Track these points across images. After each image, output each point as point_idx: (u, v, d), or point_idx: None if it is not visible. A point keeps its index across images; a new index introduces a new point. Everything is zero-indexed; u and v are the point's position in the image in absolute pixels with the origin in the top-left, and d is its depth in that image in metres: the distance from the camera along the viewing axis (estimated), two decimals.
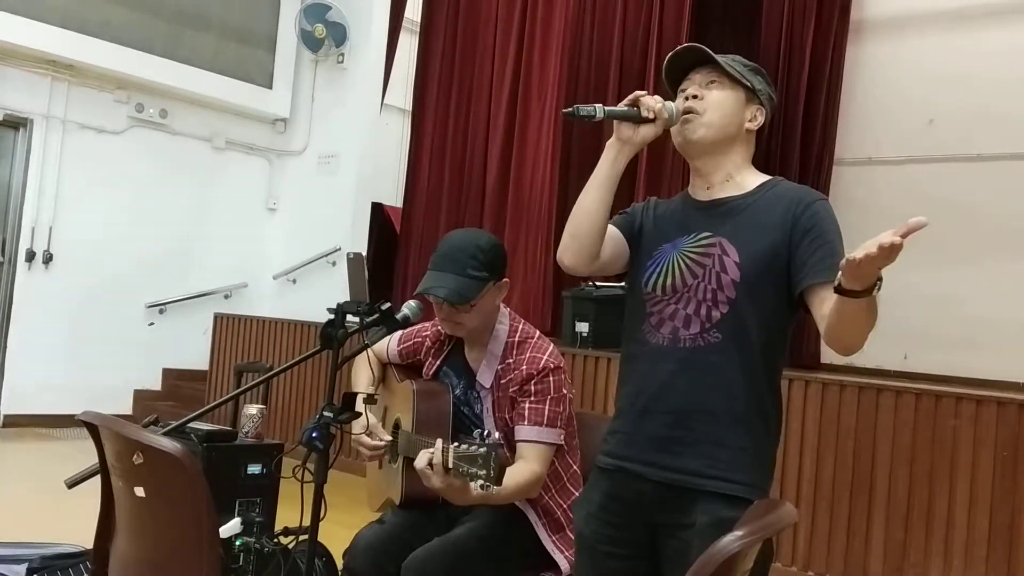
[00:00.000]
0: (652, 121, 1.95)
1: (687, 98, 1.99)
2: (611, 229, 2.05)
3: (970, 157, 7.86)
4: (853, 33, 8.42)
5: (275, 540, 3.30)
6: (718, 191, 2.01)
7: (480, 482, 1.91)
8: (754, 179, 2.02)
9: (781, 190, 1.98)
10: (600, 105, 1.95)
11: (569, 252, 2.01)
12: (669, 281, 1.96)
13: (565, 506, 2.49)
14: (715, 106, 1.98)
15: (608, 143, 2.00)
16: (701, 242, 1.96)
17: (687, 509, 1.85)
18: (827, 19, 8.26)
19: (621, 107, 1.97)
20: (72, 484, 2.13)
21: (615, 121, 1.98)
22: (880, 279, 1.75)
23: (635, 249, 2.08)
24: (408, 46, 8.48)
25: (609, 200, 1.99)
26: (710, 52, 2.02)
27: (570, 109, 1.96)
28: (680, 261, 1.97)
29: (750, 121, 2.02)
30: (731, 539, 1.32)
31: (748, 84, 2.00)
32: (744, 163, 2.03)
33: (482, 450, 1.92)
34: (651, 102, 1.95)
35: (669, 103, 1.98)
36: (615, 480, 1.97)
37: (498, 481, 1.89)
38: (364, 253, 7.53)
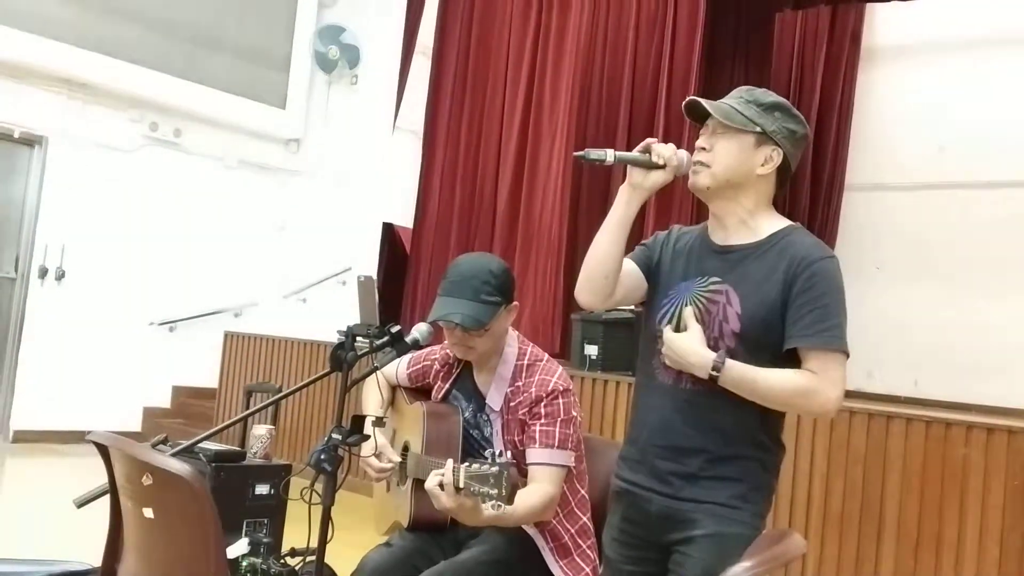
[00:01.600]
0: (663, 167, 2.01)
1: (698, 149, 2.04)
2: (628, 263, 2.12)
3: (981, 184, 7.85)
4: (864, 60, 8.45)
5: (282, 561, 3.30)
6: (733, 236, 2.05)
7: (492, 502, 1.92)
8: (770, 225, 2.04)
9: (790, 242, 2.00)
10: (612, 150, 2.01)
11: (584, 292, 2.11)
12: (680, 323, 2.04)
13: (573, 531, 2.49)
14: (721, 156, 2.00)
15: (621, 188, 2.06)
16: (711, 287, 2.02)
17: (687, 527, 1.98)
18: (838, 46, 8.29)
19: (633, 153, 2.02)
20: (81, 504, 2.14)
21: (627, 166, 2.04)
22: (717, 368, 1.90)
23: (652, 283, 2.14)
24: (421, 69, 8.53)
25: (622, 242, 2.06)
26: (706, 104, 2.02)
27: (582, 152, 2.03)
28: (692, 304, 2.03)
29: (763, 165, 2.00)
30: (740, 570, 1.32)
31: (758, 128, 1.99)
32: (758, 207, 2.04)
33: (494, 469, 1.93)
34: (663, 149, 2.01)
35: (682, 151, 2.03)
36: (627, 502, 2.09)
37: (510, 500, 1.90)
38: (374, 274, 7.56)
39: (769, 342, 1.95)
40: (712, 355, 1.92)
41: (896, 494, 4.27)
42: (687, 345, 1.96)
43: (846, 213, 8.34)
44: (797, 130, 2.02)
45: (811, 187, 8.30)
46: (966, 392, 7.21)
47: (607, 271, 2.06)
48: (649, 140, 2.04)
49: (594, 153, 2.01)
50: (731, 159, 1.99)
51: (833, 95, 8.27)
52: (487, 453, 1.98)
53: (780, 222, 2.06)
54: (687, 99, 2.08)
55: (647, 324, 2.14)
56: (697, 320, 2.00)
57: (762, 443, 2.01)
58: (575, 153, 2.07)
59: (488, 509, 1.99)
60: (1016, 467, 4.01)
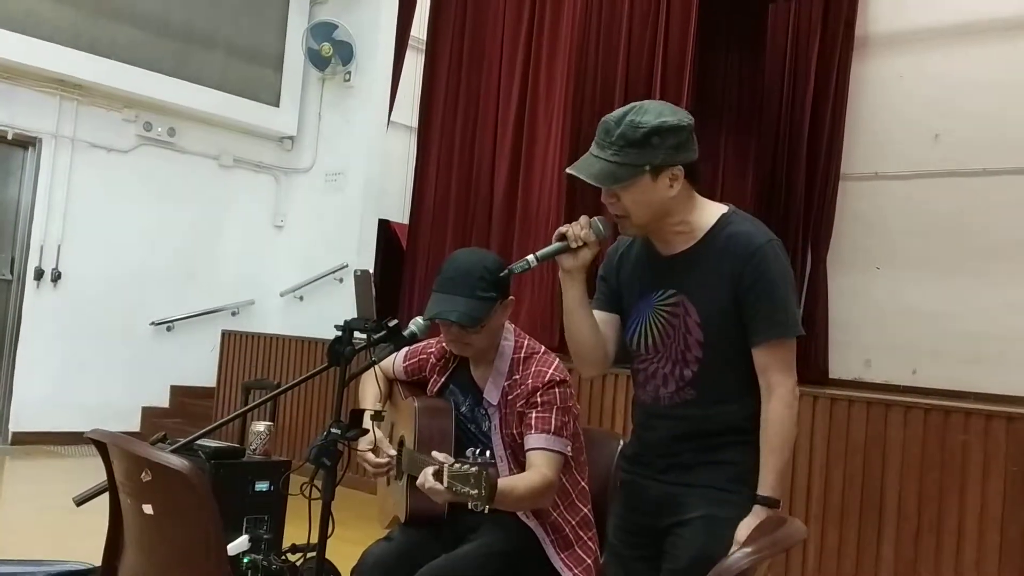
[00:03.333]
0: (585, 246, 2.06)
1: (608, 205, 2.06)
2: (603, 315, 2.19)
3: (976, 172, 7.87)
4: (858, 49, 8.45)
5: (283, 557, 3.30)
6: (675, 244, 2.08)
7: (473, 502, 1.92)
8: (706, 218, 2.06)
9: (729, 235, 2.02)
10: (531, 256, 2.08)
11: (583, 368, 2.23)
12: (649, 341, 2.10)
13: (574, 522, 2.49)
14: (631, 206, 2.01)
15: (560, 276, 2.12)
16: (668, 300, 2.07)
17: (681, 511, 2.03)
18: (832, 36, 8.29)
19: (551, 247, 2.09)
20: (81, 502, 2.14)
21: (556, 257, 2.09)
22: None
23: (621, 310, 2.20)
24: (414, 64, 8.52)
25: (587, 319, 2.14)
26: (586, 179, 1.99)
27: (506, 270, 2.18)
28: (655, 320, 2.09)
29: (670, 187, 1.99)
30: (740, 555, 1.32)
31: (646, 168, 1.96)
32: (689, 210, 2.05)
33: (473, 469, 1.92)
34: (577, 231, 2.06)
35: (596, 221, 2.07)
36: (630, 490, 2.17)
37: (489, 500, 1.91)
38: (371, 270, 7.54)
39: (732, 340, 2.01)
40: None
41: (896, 482, 4.28)
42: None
43: (842, 202, 8.36)
44: (680, 137, 1.97)
45: (806, 177, 8.31)
46: (964, 380, 7.23)
47: (590, 344, 2.14)
48: (561, 228, 2.08)
49: (517, 266, 2.10)
50: (640, 203, 2.00)
51: (827, 84, 8.27)
52: (468, 452, 1.98)
53: (713, 213, 2.07)
54: (566, 172, 2.10)
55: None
56: (664, 338, 2.06)
57: (748, 427, 2.03)
58: (501, 274, 2.28)
59: (472, 506, 1.98)
60: (1015, 453, 4.01)
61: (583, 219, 2.06)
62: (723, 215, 2.06)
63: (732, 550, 1.84)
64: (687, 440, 2.05)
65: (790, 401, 1.99)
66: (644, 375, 2.12)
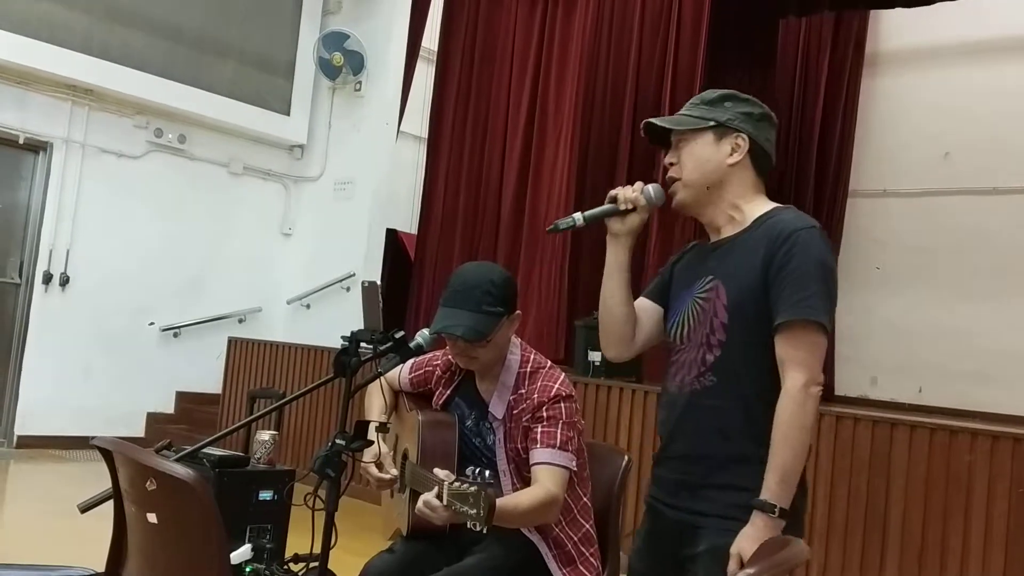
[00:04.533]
0: (633, 211, 2.04)
1: (667, 169, 2.05)
2: (645, 302, 2.15)
3: (986, 190, 7.85)
4: (868, 66, 8.45)
5: (285, 567, 3.30)
6: (725, 231, 2.04)
7: (471, 522, 1.92)
8: (756, 210, 2.01)
9: (774, 222, 1.96)
10: (579, 214, 2.05)
11: (607, 345, 2.16)
12: (684, 330, 2.04)
13: (576, 538, 2.48)
14: (687, 162, 2.01)
15: (607, 239, 2.09)
16: (706, 286, 2.01)
17: (694, 542, 1.95)
18: (842, 52, 8.29)
19: (600, 208, 2.06)
20: (85, 509, 2.14)
21: (605, 219, 2.07)
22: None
23: (667, 303, 2.15)
24: (425, 75, 8.55)
25: (622, 288, 2.09)
26: (656, 121, 2.04)
27: (551, 225, 2.08)
28: (692, 308, 2.03)
29: (731, 155, 1.99)
30: None
31: (711, 122, 1.99)
32: (743, 195, 2.02)
33: (472, 489, 1.92)
34: (628, 193, 2.04)
35: (649, 188, 2.05)
36: (651, 516, 2.11)
37: (487, 520, 1.90)
38: (378, 279, 7.56)
39: (757, 325, 1.90)
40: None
41: (900, 502, 4.26)
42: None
43: (850, 219, 8.34)
44: (752, 111, 2.00)
45: (815, 193, 8.29)
46: (971, 399, 7.20)
47: (619, 317, 2.09)
48: (613, 190, 2.07)
49: (563, 222, 2.06)
50: (697, 161, 2.00)
51: (837, 101, 8.27)
52: (468, 471, 1.98)
53: (767, 206, 2.02)
54: (643, 123, 2.08)
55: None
56: (695, 326, 2.00)
57: (765, 441, 1.89)
58: (547, 228, 2.14)
59: (470, 525, 1.97)
60: (1021, 475, 3.99)
61: (638, 184, 2.05)
62: (772, 209, 2.01)
63: (730, 569, 1.81)
64: (701, 438, 1.95)
65: (798, 397, 1.83)
66: (675, 366, 2.04)
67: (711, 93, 2.02)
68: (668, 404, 2.06)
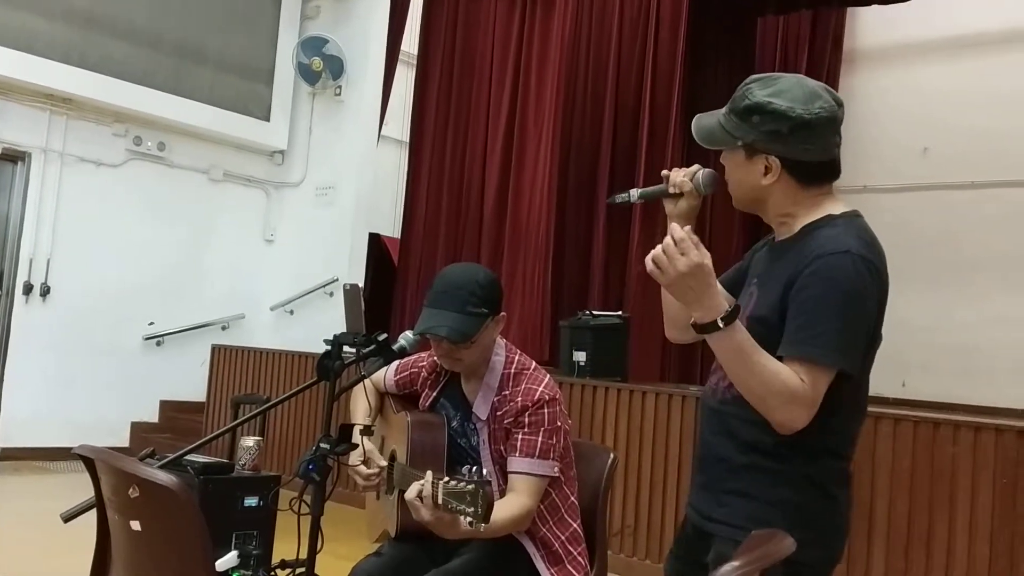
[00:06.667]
0: (681, 195, 2.01)
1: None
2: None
3: (964, 185, 7.91)
4: (846, 63, 8.50)
5: (272, 573, 3.29)
6: (780, 232, 1.96)
7: (468, 519, 1.91)
8: (807, 216, 1.89)
9: (814, 236, 1.84)
10: (635, 190, 2.08)
11: (669, 329, 2.12)
12: None
13: (563, 537, 2.48)
14: (729, 178, 1.94)
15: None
16: (749, 289, 1.97)
17: (707, 549, 1.92)
18: (820, 50, 8.34)
19: (654, 187, 2.05)
20: (68, 518, 2.13)
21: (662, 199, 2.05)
22: (728, 320, 1.73)
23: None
24: (405, 78, 8.55)
25: None
26: (693, 127, 1.93)
27: (610, 198, 2.11)
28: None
29: (764, 175, 1.85)
30: (728, 570, 1.31)
31: (739, 143, 1.86)
32: (789, 206, 1.90)
33: (470, 487, 1.91)
34: (677, 177, 2.01)
35: (700, 174, 2.02)
36: (687, 520, 2.06)
37: (486, 519, 1.89)
38: (361, 284, 7.55)
39: (772, 342, 1.79)
40: (726, 306, 1.74)
41: (885, 494, 4.28)
42: (707, 285, 1.73)
43: None
44: (780, 128, 1.80)
45: None
46: (953, 392, 7.24)
47: (676, 303, 1.97)
48: (665, 171, 2.04)
49: (619, 197, 2.08)
50: (735, 180, 1.91)
51: None
52: (464, 470, 1.97)
53: (818, 212, 1.88)
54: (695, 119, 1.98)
55: None
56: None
57: (778, 452, 1.83)
58: (607, 200, 2.17)
59: (465, 525, 1.97)
60: (1004, 465, 4.02)
61: (692, 168, 2.00)
62: (825, 216, 1.86)
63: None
64: (718, 442, 1.91)
65: (790, 418, 1.75)
66: (715, 365, 1.94)
67: (741, 99, 1.84)
68: (702, 406, 2.04)
